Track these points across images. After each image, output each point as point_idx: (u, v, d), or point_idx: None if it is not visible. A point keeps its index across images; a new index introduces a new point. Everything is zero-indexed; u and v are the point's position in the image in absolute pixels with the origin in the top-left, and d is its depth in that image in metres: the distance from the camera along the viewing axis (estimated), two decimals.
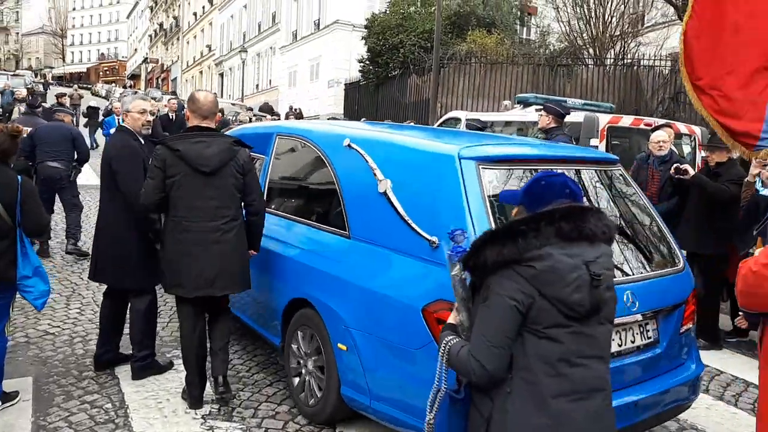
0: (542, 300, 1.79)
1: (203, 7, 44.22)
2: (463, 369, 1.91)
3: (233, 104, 22.84)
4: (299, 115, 19.00)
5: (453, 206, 2.54)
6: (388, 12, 19.74)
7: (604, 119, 6.26)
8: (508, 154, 2.79)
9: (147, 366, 3.74)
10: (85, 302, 5.26)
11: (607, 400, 1.91)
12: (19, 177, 3.28)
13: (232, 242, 3.33)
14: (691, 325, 3.07)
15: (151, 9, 62.79)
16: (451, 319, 2.08)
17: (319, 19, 25.56)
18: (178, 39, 51.80)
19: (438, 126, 8.89)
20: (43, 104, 9.89)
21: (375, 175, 2.91)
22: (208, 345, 3.49)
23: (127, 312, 3.86)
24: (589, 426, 1.84)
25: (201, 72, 45.46)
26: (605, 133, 6.13)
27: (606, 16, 16.92)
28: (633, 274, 2.81)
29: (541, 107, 7.21)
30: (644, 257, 2.98)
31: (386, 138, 3.32)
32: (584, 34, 17.64)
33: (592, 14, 17.13)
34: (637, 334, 2.77)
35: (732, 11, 3.00)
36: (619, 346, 2.69)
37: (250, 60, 32.60)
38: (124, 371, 3.86)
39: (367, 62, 20.12)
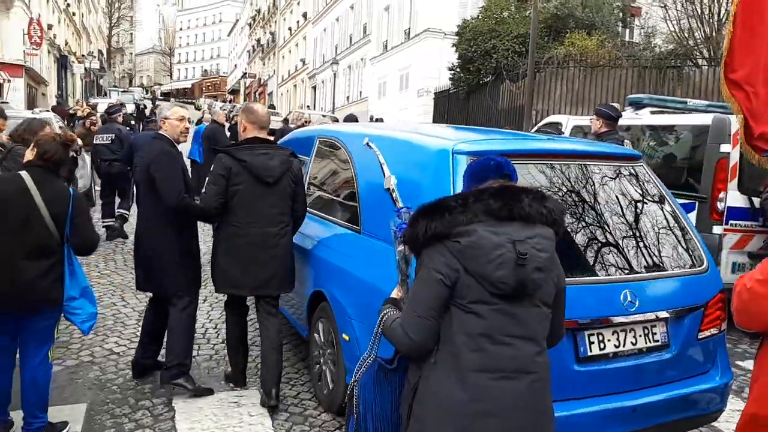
0: (467, 275, 1.83)
1: (298, 22, 45.40)
2: (393, 339, 1.96)
3: (324, 116, 23.23)
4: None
5: None
6: (480, 17, 19.06)
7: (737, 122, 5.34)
8: (502, 149, 2.74)
9: (175, 376, 3.59)
10: None
11: (539, 383, 1.88)
12: (71, 190, 3.01)
13: (286, 246, 3.58)
14: (714, 331, 2.86)
15: (250, 26, 65.48)
16: (394, 293, 2.19)
17: (409, 29, 25.29)
18: (274, 54, 53.55)
19: (534, 131, 8.18)
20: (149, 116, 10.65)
21: (383, 171, 2.96)
22: (259, 349, 3.68)
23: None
24: (511, 407, 1.83)
25: (295, 85, 46.64)
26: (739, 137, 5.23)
27: (721, 13, 15.41)
28: (635, 272, 2.72)
29: (658, 107, 6.51)
30: (653, 256, 2.85)
31: (395, 135, 3.44)
32: (696, 34, 16.21)
33: (705, 11, 15.68)
34: (639, 336, 2.67)
35: None
36: (616, 347, 2.61)
37: (341, 72, 32.92)
38: (182, 403, 3.50)
39: (458, 69, 19.54)
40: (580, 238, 2.77)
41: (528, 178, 2.69)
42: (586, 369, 2.58)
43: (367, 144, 3.24)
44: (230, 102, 55.46)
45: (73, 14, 42.74)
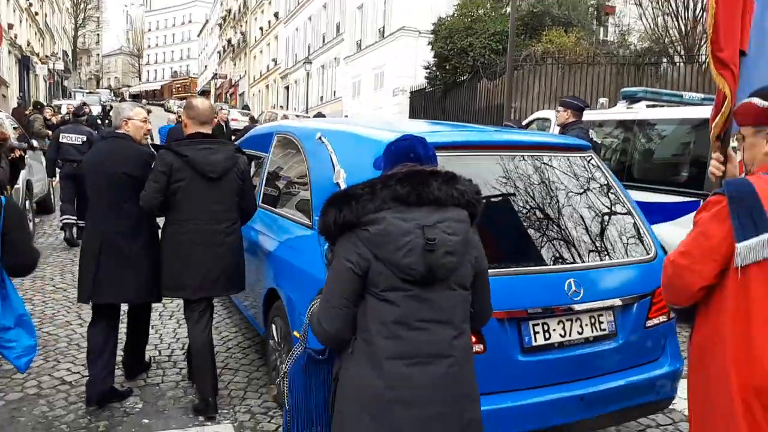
0: (377, 263, 1.81)
1: (269, 22, 44.68)
2: (313, 329, 1.95)
3: (297, 116, 23.44)
4: None
5: None
6: (456, 15, 18.77)
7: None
8: (448, 141, 2.78)
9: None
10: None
11: (456, 367, 1.86)
12: (2, 198, 2.51)
13: (234, 244, 3.43)
14: (663, 318, 2.84)
15: (220, 26, 64.41)
16: None
17: (383, 27, 24.91)
18: (245, 54, 52.69)
19: (522, 127, 7.85)
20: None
21: (333, 165, 2.91)
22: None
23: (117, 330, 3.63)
24: (428, 393, 1.83)
25: (267, 86, 45.89)
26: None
27: (696, 9, 15.36)
28: (580, 262, 2.72)
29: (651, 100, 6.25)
30: (599, 245, 2.85)
31: (345, 129, 3.44)
32: (671, 31, 16.15)
33: (680, 8, 15.61)
34: (586, 325, 2.66)
35: None
36: (562, 336, 2.61)
37: (314, 72, 32.37)
38: None
39: (434, 68, 19.22)
40: (523, 228, 2.78)
41: (474, 170, 2.59)
42: (531, 359, 2.55)
43: (320, 139, 3.15)
44: None
45: (36, 14, 41.34)
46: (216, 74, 65.30)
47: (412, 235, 1.80)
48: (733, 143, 2.29)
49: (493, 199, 2.75)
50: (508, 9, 17.13)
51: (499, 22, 17.63)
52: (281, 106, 37.62)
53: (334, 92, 31.89)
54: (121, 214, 3.37)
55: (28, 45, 37.78)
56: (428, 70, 19.57)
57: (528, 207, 2.81)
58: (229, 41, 59.47)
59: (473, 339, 2.15)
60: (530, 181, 2.87)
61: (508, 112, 13.61)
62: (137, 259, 3.39)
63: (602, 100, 7.71)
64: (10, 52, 32.57)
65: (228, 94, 58.79)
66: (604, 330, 2.70)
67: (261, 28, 47.33)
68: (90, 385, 3.39)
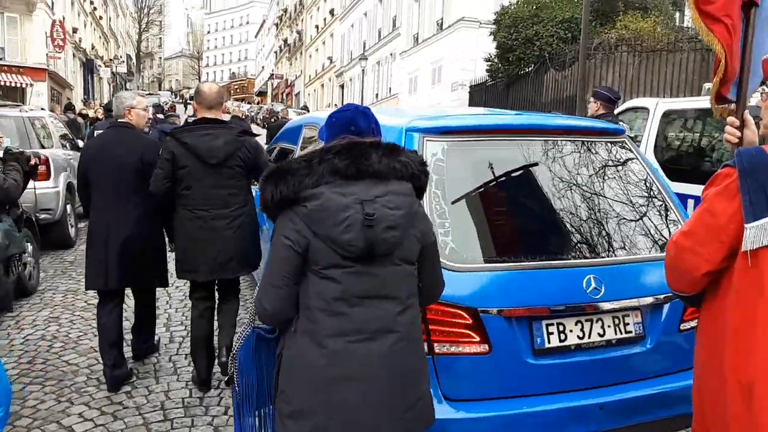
0: (317, 240, 1.75)
1: (324, 19, 44.44)
2: (256, 309, 1.90)
3: (297, 113, 22.88)
4: None
5: None
6: (520, 2, 17.64)
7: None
8: (452, 126, 2.59)
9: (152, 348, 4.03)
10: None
11: (402, 343, 1.80)
12: None
13: (243, 227, 3.43)
14: None
15: (277, 26, 64.88)
16: None
17: (441, 19, 23.96)
18: (301, 53, 52.75)
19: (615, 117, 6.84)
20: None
21: None
22: (216, 324, 3.63)
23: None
24: (371, 370, 1.77)
25: (322, 85, 45.70)
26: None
27: None
28: (601, 256, 2.46)
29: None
30: (625, 238, 2.55)
31: None
32: None
33: None
34: (608, 326, 2.39)
35: None
36: (580, 338, 2.35)
37: (369, 68, 31.76)
38: None
39: (496, 60, 18.15)
40: (539, 219, 2.57)
41: (491, 154, 2.57)
42: (544, 362, 2.32)
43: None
44: (258, 104, 54.86)
45: (100, 18, 42.52)
46: (272, 74, 65.85)
47: (351, 210, 1.74)
48: (755, 100, 1.83)
49: (508, 188, 2.58)
50: None
51: (568, 9, 16.44)
52: (335, 105, 37.24)
53: (390, 89, 31.18)
54: (128, 200, 3.48)
55: (92, 49, 38.84)
56: (489, 63, 18.53)
57: (545, 196, 2.55)
58: (285, 41, 59.76)
59: (476, 338, 2.17)
60: (551, 168, 2.60)
61: (584, 104, 12.48)
62: (144, 244, 3.53)
63: (707, 85, 6.62)
64: (74, 55, 33.44)
65: (284, 94, 59.09)
66: (630, 332, 2.44)
67: (317, 26, 47.17)
68: (109, 371, 3.53)
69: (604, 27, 16.06)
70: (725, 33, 2.42)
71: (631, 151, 2.87)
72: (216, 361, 3.59)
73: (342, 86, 39.88)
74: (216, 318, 3.62)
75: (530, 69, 16.93)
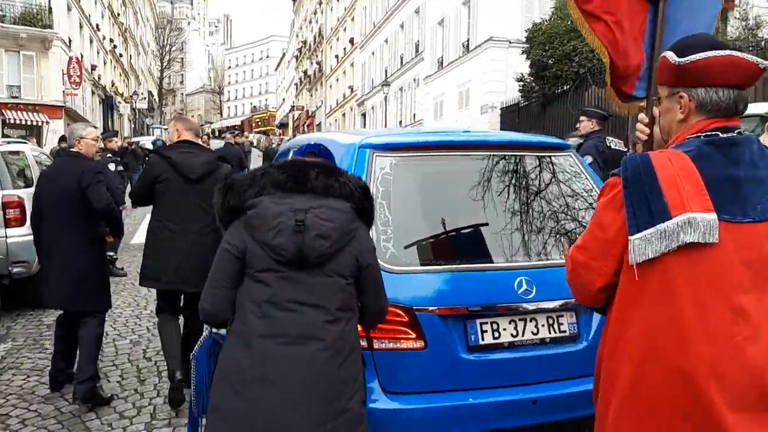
0: (254, 244, 1.89)
1: (344, 49, 43.94)
2: (199, 309, 2.01)
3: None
4: None
5: None
6: (553, 18, 16.49)
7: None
8: (398, 143, 2.82)
9: (92, 387, 3.67)
10: None
11: (326, 352, 1.86)
12: None
13: (209, 244, 3.44)
14: None
15: (297, 58, 64.91)
16: None
17: (468, 41, 22.92)
18: (321, 84, 52.33)
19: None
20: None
21: None
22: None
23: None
24: (296, 371, 1.83)
25: (344, 114, 44.99)
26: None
27: None
28: (535, 260, 2.61)
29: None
30: (558, 243, 2.71)
31: (331, 137, 3.37)
32: None
33: None
34: (542, 325, 2.53)
35: None
36: (513, 336, 2.50)
37: (392, 95, 30.81)
38: None
39: (530, 79, 16.95)
40: (475, 227, 2.70)
41: (434, 168, 2.79)
42: (478, 358, 2.45)
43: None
44: (279, 135, 54.45)
45: (120, 56, 42.54)
46: (293, 106, 65.64)
47: (283, 216, 1.89)
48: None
49: (448, 199, 2.75)
50: None
51: None
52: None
53: (414, 115, 30.13)
54: (70, 225, 3.66)
55: (112, 85, 38.65)
56: (522, 82, 17.35)
57: (483, 206, 2.70)
58: (305, 72, 59.58)
59: (413, 335, 2.33)
60: (490, 181, 2.77)
61: (635, 122, 11.15)
62: (83, 267, 3.67)
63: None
64: (93, 92, 33.15)
65: (305, 125, 58.66)
66: (564, 332, 2.56)
67: (336, 56, 46.72)
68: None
69: None
70: (606, 30, 2.51)
71: (576, 165, 2.98)
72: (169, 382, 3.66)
73: (364, 115, 39.03)
74: (181, 333, 3.80)
75: (568, 87, 15.70)
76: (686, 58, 1.52)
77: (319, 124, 52.31)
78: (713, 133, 1.54)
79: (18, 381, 4.10)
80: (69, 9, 27.65)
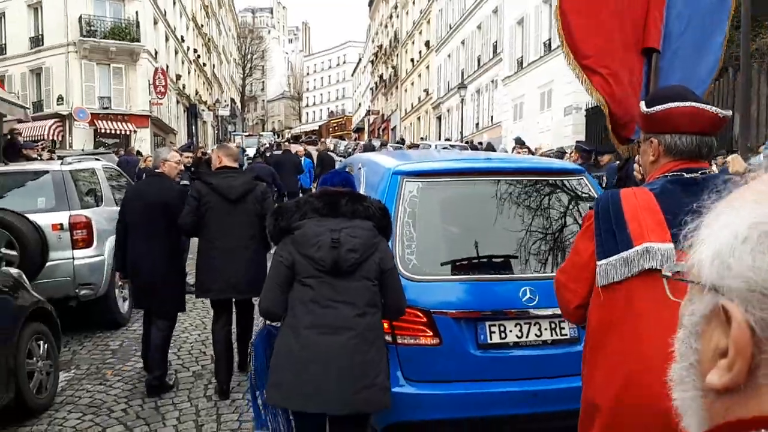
0: (300, 257, 2.47)
1: (420, 52, 43.50)
2: (258, 306, 2.73)
3: (452, 145, 22.24)
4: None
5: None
6: None
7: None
8: (424, 169, 3.19)
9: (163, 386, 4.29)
10: None
11: (356, 339, 2.40)
12: None
13: (252, 256, 4.09)
14: None
15: (372, 63, 65.10)
16: None
17: (549, 40, 21.82)
18: (396, 88, 52.13)
19: None
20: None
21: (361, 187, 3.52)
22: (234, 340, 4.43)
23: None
24: (333, 354, 2.39)
25: (419, 118, 44.54)
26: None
27: None
28: (538, 272, 2.93)
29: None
30: (560, 258, 2.99)
31: (375, 159, 3.83)
32: None
33: None
34: (545, 329, 2.87)
35: None
36: (518, 337, 2.85)
37: (468, 98, 30.01)
38: None
39: None
40: (485, 243, 3.03)
41: (456, 192, 3.17)
42: (486, 355, 2.81)
43: (359, 168, 3.84)
44: (355, 140, 54.72)
45: (204, 65, 44.06)
46: (369, 110, 65.85)
47: (323, 236, 2.46)
48: None
49: (466, 218, 3.13)
50: None
51: None
52: (422, 138, 35.84)
53: (492, 117, 29.22)
54: (154, 237, 4.20)
55: (196, 94, 40.04)
56: None
57: (496, 225, 3.04)
58: (380, 77, 59.62)
59: (430, 333, 2.74)
60: (505, 203, 3.08)
61: (747, 123, 9.96)
62: (165, 273, 4.26)
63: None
64: (178, 101, 34.38)
65: (381, 130, 58.64)
66: (566, 335, 2.87)
67: (412, 60, 46.33)
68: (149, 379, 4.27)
69: (752, 32, 13.38)
70: (603, 83, 2.80)
71: (588, 186, 3.28)
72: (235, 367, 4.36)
73: (439, 118, 38.40)
74: (235, 333, 4.37)
75: None
76: (652, 108, 1.71)
77: (395, 127, 52.09)
78: (678, 173, 1.71)
79: (72, 420, 3.86)
80: (155, 22, 28.75)
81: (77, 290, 5.28)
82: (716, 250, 0.60)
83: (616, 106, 2.84)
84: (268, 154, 15.60)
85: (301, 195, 12.94)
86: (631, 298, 1.60)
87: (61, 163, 5.71)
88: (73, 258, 5.27)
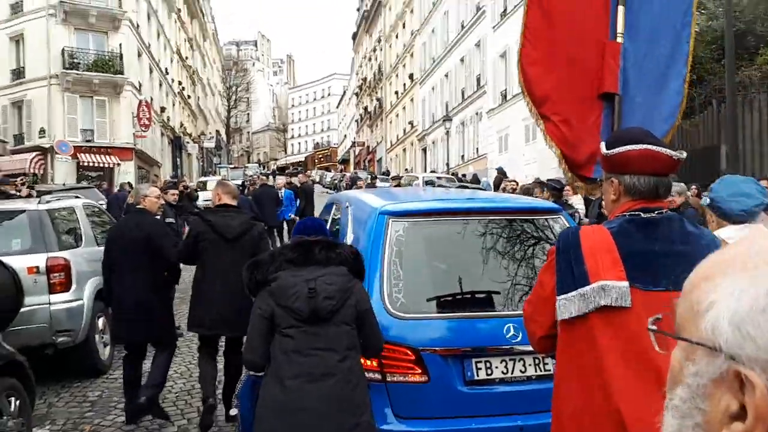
0: (278, 308, 2.53)
1: (404, 85, 43.91)
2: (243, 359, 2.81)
3: (438, 178, 22.50)
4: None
5: (369, 248, 3.07)
6: None
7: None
8: (410, 209, 3.30)
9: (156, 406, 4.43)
10: None
11: (341, 383, 2.47)
12: None
13: (245, 295, 3.78)
14: None
15: (357, 95, 65.63)
16: None
17: None
18: (381, 120, 52.46)
19: None
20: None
21: (348, 227, 3.67)
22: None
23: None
24: (320, 402, 2.44)
25: (404, 149, 44.73)
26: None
27: None
28: (519, 310, 2.88)
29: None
30: None
31: (360, 197, 3.95)
32: None
33: None
34: (529, 365, 2.93)
35: (564, 40, 3.07)
36: (504, 373, 2.91)
37: (453, 129, 30.22)
38: None
39: None
40: (469, 281, 3.12)
41: (440, 231, 3.26)
42: (473, 391, 2.87)
43: (347, 207, 3.91)
44: (341, 171, 54.71)
45: (188, 97, 44.03)
46: (354, 142, 66.11)
47: (299, 286, 2.53)
48: None
49: (450, 257, 3.22)
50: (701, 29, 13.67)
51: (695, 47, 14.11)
52: (406, 170, 35.85)
53: (477, 149, 29.38)
54: (138, 270, 4.29)
55: (180, 126, 39.86)
56: None
57: (479, 263, 3.13)
58: (365, 109, 60.03)
59: (418, 370, 2.78)
60: (486, 241, 3.18)
61: (734, 155, 9.99)
62: (150, 306, 4.31)
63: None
64: (162, 133, 34.17)
65: (366, 161, 58.77)
66: (549, 370, 2.87)
67: (396, 92, 46.74)
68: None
69: (737, 66, 13.60)
70: (554, 128, 3.02)
71: (565, 224, 3.31)
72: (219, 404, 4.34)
73: (425, 149, 38.56)
74: (222, 372, 4.43)
75: None
76: (611, 151, 1.79)
77: (380, 159, 52.23)
78: (636, 213, 1.78)
79: None
80: (139, 55, 28.69)
81: (54, 337, 4.99)
82: (734, 317, 0.60)
83: (568, 150, 3.05)
84: (246, 191, 16.30)
85: (285, 226, 13.05)
86: (592, 334, 1.67)
87: (39, 202, 5.46)
88: (50, 303, 4.99)
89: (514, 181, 12.76)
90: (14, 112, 26.13)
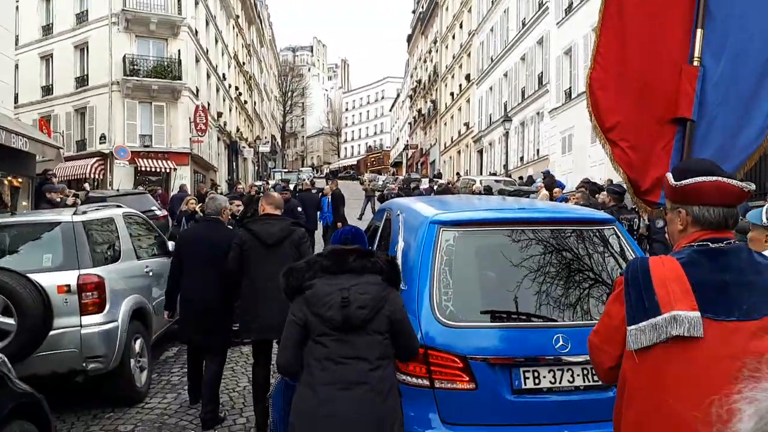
0: (312, 316, 2.56)
1: (460, 86, 42.93)
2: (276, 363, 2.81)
3: (497, 181, 21.57)
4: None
5: (419, 256, 3.15)
6: None
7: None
8: (461, 219, 3.31)
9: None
10: None
11: (372, 393, 2.50)
12: None
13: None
14: None
15: (411, 98, 64.97)
16: None
17: None
18: (435, 122, 51.61)
19: None
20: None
21: (399, 237, 3.56)
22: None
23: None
24: (350, 409, 2.48)
25: (459, 151, 43.72)
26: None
27: None
28: (571, 320, 3.01)
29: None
30: (593, 307, 3.07)
31: (413, 207, 3.90)
32: None
33: None
34: (578, 375, 2.93)
35: (637, 60, 3.04)
36: (552, 383, 2.91)
37: (513, 130, 29.05)
38: None
39: None
40: (520, 291, 3.08)
41: (490, 241, 3.26)
42: (520, 400, 2.88)
43: (398, 215, 3.83)
44: (393, 174, 54.15)
45: (245, 102, 44.42)
46: (407, 145, 65.45)
47: (333, 295, 2.56)
48: None
49: (500, 266, 3.16)
50: None
51: None
52: (460, 173, 34.88)
53: (538, 150, 28.14)
54: (211, 269, 4.58)
55: (237, 131, 40.18)
56: None
57: (530, 273, 3.10)
58: (419, 111, 59.29)
59: (466, 378, 2.82)
60: (537, 251, 3.18)
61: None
62: (218, 310, 4.66)
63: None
64: (219, 138, 34.42)
65: (419, 164, 58.01)
66: (597, 381, 2.85)
67: (452, 94, 45.79)
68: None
69: None
70: (622, 154, 3.03)
71: (618, 236, 3.37)
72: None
73: (480, 151, 37.47)
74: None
75: None
76: (681, 182, 1.83)
77: (433, 161, 51.35)
78: (705, 243, 1.81)
79: None
80: (197, 60, 28.91)
81: (85, 364, 4.48)
82: None
83: (634, 174, 3.07)
84: (298, 191, 17.01)
85: (322, 231, 13.43)
86: (659, 365, 1.67)
87: (74, 213, 4.98)
88: (81, 325, 4.49)
89: (584, 186, 11.82)
90: (77, 119, 26.74)
